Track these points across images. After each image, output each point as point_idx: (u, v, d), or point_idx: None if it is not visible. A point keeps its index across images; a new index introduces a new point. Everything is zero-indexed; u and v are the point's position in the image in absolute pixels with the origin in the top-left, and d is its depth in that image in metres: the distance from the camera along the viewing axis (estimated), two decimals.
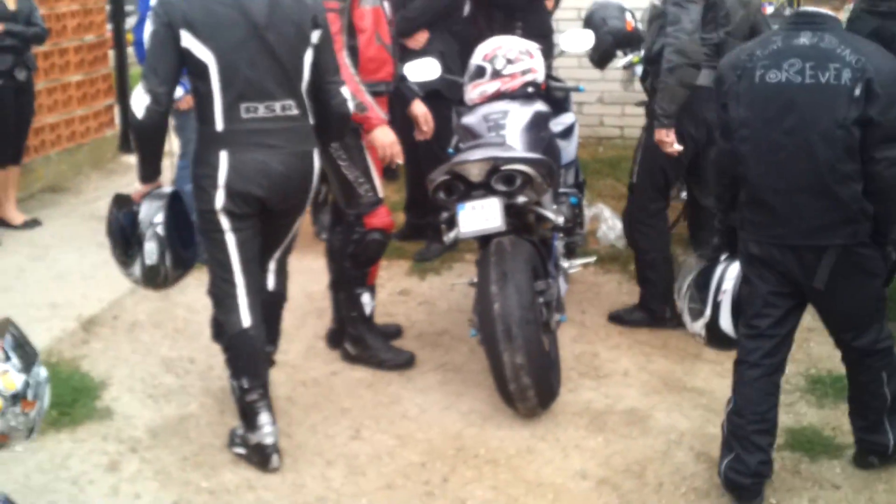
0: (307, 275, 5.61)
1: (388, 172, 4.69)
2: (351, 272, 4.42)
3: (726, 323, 3.53)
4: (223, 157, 3.50)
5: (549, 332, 4.13)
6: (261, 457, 3.65)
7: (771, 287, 3.28)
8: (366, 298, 4.48)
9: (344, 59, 4.02)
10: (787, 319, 3.34)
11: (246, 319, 3.63)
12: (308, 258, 5.85)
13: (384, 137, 4.16)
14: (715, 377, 4.36)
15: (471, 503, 3.46)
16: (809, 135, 3.09)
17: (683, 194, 5.76)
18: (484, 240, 4.06)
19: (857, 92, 3.01)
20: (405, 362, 4.49)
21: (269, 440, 3.64)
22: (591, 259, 4.83)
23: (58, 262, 5.89)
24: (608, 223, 5.88)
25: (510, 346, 3.75)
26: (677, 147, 4.48)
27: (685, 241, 6.01)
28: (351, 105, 3.82)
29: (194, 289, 5.29)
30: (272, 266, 3.94)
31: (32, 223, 6.60)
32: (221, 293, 3.70)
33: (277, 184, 3.58)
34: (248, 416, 3.67)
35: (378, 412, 4.10)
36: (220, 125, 3.51)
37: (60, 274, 5.68)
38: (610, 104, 7.89)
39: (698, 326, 3.62)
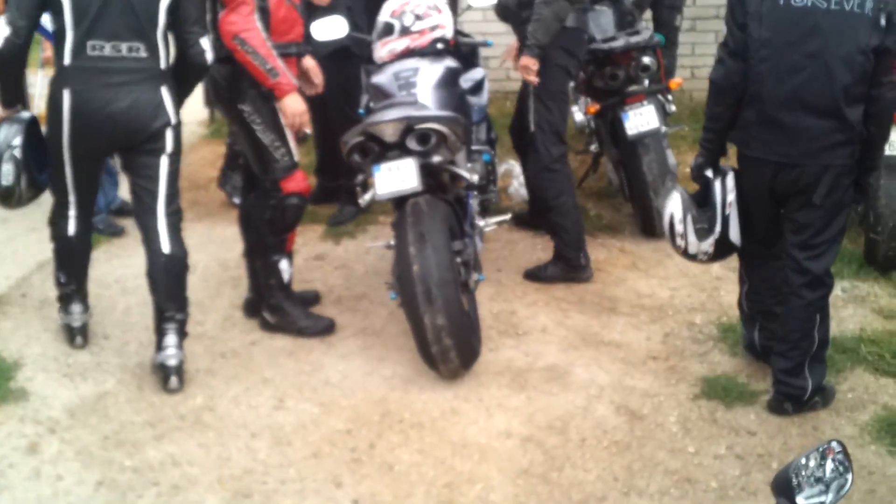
0: (220, 244, 5.57)
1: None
2: (268, 239, 4.36)
3: (735, 234, 3.78)
4: (66, 94, 3.81)
5: (468, 291, 4.15)
6: (69, 335, 4.34)
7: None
8: (283, 265, 4.43)
9: (256, 21, 3.95)
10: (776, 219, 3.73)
11: (72, 228, 4.16)
12: (220, 226, 5.80)
13: (294, 105, 4.09)
14: (631, 329, 4.45)
15: (398, 468, 3.48)
16: (830, 58, 3.36)
17: (593, 146, 5.83)
18: (399, 201, 4.04)
19: (882, 21, 3.33)
20: (325, 328, 4.46)
21: (76, 323, 4.32)
22: (507, 217, 4.85)
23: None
24: (520, 179, 5.90)
25: (430, 307, 3.75)
26: (534, 80, 4.65)
27: (596, 195, 6.10)
28: (209, 56, 3.94)
29: (104, 262, 5.21)
30: (161, 226, 4.02)
31: None
32: (56, 200, 4.16)
33: (120, 122, 3.84)
34: (63, 301, 4.35)
35: (300, 380, 4.08)
36: (67, 60, 3.79)
37: None
38: None
39: (706, 245, 3.80)
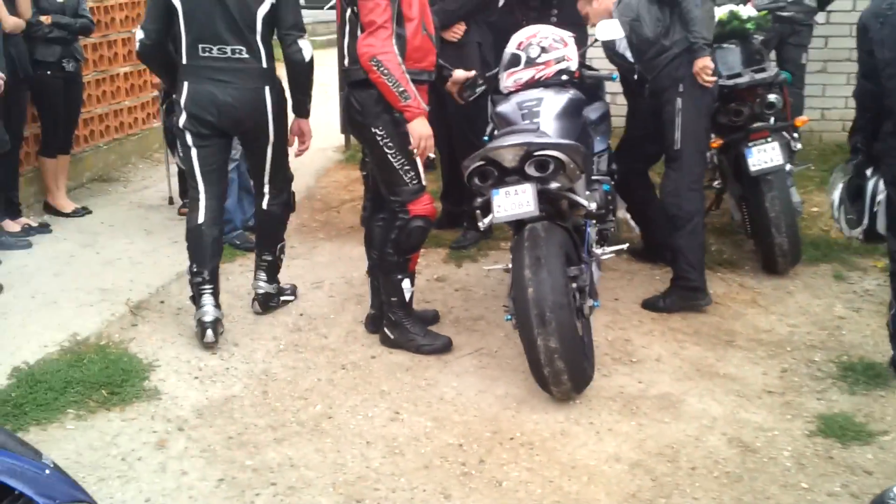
0: (347, 262, 5.77)
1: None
2: (393, 259, 4.51)
3: (881, 226, 4.05)
4: (185, 86, 4.56)
5: (583, 317, 4.20)
6: (200, 329, 4.61)
7: None
8: (406, 284, 4.57)
9: (392, 46, 4.14)
10: None
11: (201, 217, 4.66)
12: (349, 246, 6.02)
13: (421, 129, 4.25)
14: (747, 363, 4.42)
15: (507, 484, 3.55)
16: None
17: (716, 182, 5.81)
18: (518, 226, 4.14)
19: None
20: (442, 347, 4.58)
21: (207, 318, 4.59)
22: (624, 246, 4.88)
23: (106, 249, 6.07)
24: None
25: (544, 330, 3.83)
26: (711, 80, 4.77)
27: (718, 230, 6.07)
28: (306, 54, 4.56)
29: (238, 275, 5.48)
30: (266, 189, 4.87)
31: (82, 211, 6.80)
32: (190, 196, 4.77)
33: (225, 112, 4.54)
34: (195, 297, 4.69)
35: (416, 395, 4.20)
36: (184, 59, 4.54)
37: (109, 260, 5.85)
38: None
39: (856, 232, 4.22)
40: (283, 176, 4.90)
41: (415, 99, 4.19)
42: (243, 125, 4.62)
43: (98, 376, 4.23)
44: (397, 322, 4.59)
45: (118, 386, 4.18)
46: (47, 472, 1.94)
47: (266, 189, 4.87)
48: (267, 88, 4.58)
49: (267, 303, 5.02)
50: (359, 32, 4.24)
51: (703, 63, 4.69)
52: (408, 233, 4.45)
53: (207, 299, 4.63)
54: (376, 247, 4.62)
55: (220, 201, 4.78)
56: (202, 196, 4.67)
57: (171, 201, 6.98)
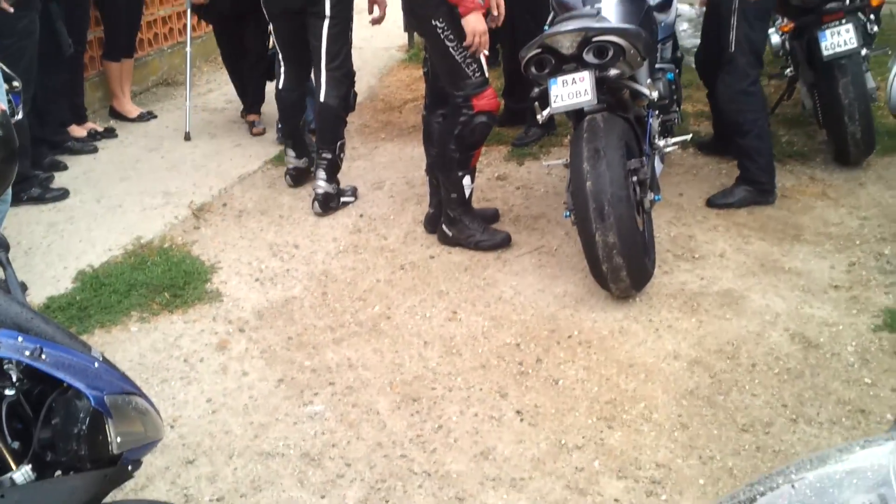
0: (408, 161, 5.74)
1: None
2: (455, 155, 4.44)
3: None
4: None
5: (644, 212, 4.11)
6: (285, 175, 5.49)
7: None
8: (466, 181, 4.51)
9: None
10: None
11: (280, 83, 5.22)
12: (410, 146, 5.98)
13: (475, 24, 4.13)
14: (814, 258, 4.31)
15: (563, 382, 3.54)
16: None
17: (788, 70, 5.59)
18: (577, 117, 4.03)
19: None
20: (501, 242, 4.55)
21: (289, 165, 5.44)
22: (688, 137, 4.73)
23: (171, 153, 6.12)
24: None
25: (602, 224, 3.75)
26: None
27: (789, 121, 5.87)
28: None
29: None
30: (323, 79, 4.93)
31: (147, 115, 6.84)
32: (277, 65, 5.29)
33: None
34: (285, 147, 5.52)
35: (474, 295, 4.19)
36: None
37: (173, 164, 5.91)
38: None
39: None
40: (342, 65, 4.93)
41: None
42: (292, 6, 4.87)
43: (161, 279, 4.31)
44: (456, 219, 4.55)
45: (180, 288, 4.24)
46: (96, 364, 1.96)
47: (324, 79, 4.90)
48: None
49: (327, 203, 5.03)
50: None
51: None
52: (472, 128, 4.37)
53: (318, 173, 5.05)
54: (436, 144, 4.56)
55: (299, 67, 5.16)
56: (282, 64, 5.16)
57: (187, 137, 6.44)
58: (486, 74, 4.35)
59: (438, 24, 4.20)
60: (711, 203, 4.88)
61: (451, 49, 4.24)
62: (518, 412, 3.39)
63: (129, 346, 3.86)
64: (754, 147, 4.74)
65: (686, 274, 4.24)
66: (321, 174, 5.04)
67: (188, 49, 6.59)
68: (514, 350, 3.76)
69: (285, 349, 3.84)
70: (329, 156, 5.02)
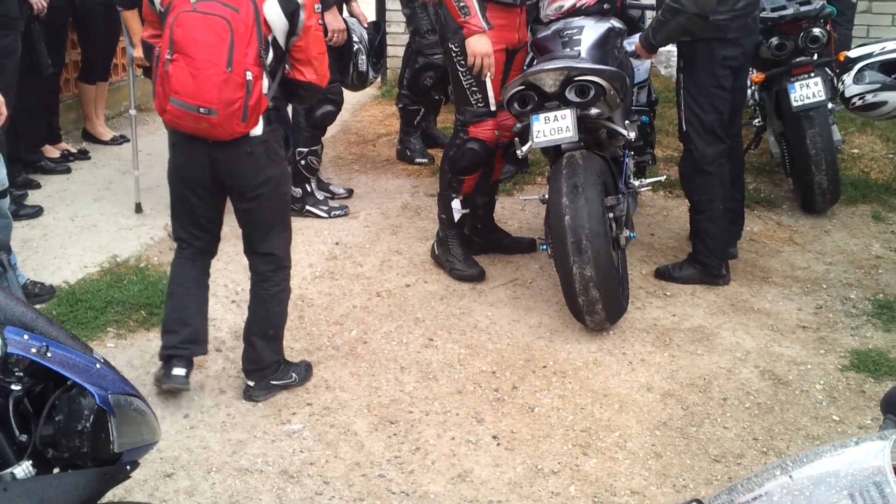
0: (382, 194, 5.81)
1: None
2: (447, 175, 4.56)
3: None
4: None
5: (619, 248, 4.21)
6: None
7: None
8: (455, 204, 4.60)
9: None
10: None
11: None
12: (384, 178, 6.05)
13: (476, 46, 4.21)
14: (782, 299, 4.42)
15: (539, 410, 3.59)
16: None
17: (756, 121, 5.75)
18: (556, 155, 4.13)
19: None
20: (474, 276, 4.62)
21: None
22: (661, 178, 4.85)
23: (144, 176, 6.08)
24: None
25: (580, 257, 3.83)
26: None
27: (756, 169, 6.02)
28: None
29: None
30: None
31: (120, 139, 6.84)
32: None
33: None
34: None
35: (450, 323, 4.23)
36: None
37: (147, 186, 5.88)
38: None
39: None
40: None
41: (475, 16, 4.17)
42: None
43: (137, 297, 4.30)
44: (444, 240, 4.66)
45: (157, 307, 4.23)
46: (98, 365, 1.99)
47: None
48: None
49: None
50: None
51: (637, 49, 4.50)
52: (462, 152, 4.48)
53: None
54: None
55: None
56: None
57: (138, 208, 5.60)
58: (491, 107, 4.41)
59: (452, 49, 4.34)
60: (660, 274, 4.69)
61: (459, 73, 4.38)
62: (494, 437, 3.42)
63: None
64: (705, 229, 4.53)
65: (658, 310, 4.33)
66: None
67: (132, 112, 5.87)
68: (489, 377, 3.81)
69: None
70: (296, 157, 5.30)
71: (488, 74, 4.28)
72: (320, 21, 3.39)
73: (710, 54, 4.34)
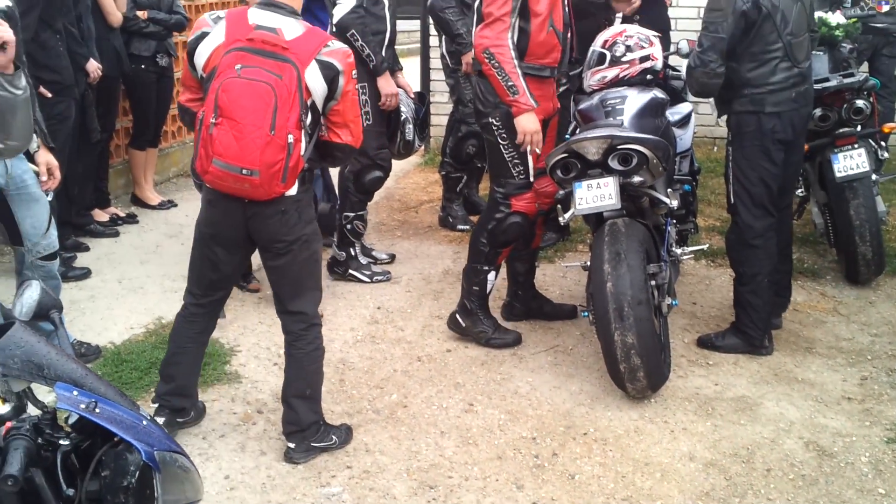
0: (424, 259, 5.85)
1: None
2: (484, 248, 4.55)
3: None
4: None
5: (661, 315, 4.19)
6: None
7: None
8: (491, 276, 4.60)
9: (507, 40, 4.18)
10: None
11: None
12: (426, 244, 6.09)
13: (526, 124, 4.23)
14: (826, 370, 4.37)
15: (579, 477, 3.56)
16: None
17: (800, 191, 5.75)
18: (598, 222, 4.15)
19: None
20: (512, 342, 4.62)
21: None
22: (704, 247, 4.84)
23: (191, 240, 6.16)
24: None
25: (622, 325, 3.83)
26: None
27: (800, 239, 5.99)
28: None
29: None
30: None
31: (168, 204, 6.97)
32: None
33: None
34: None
35: (490, 388, 4.23)
36: None
37: None
38: None
39: None
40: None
41: (524, 94, 4.19)
42: None
43: None
44: (472, 311, 4.62)
45: (201, 369, 4.27)
46: (144, 422, 2.01)
47: None
48: None
49: (331, 267, 5.52)
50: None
51: None
52: (505, 227, 4.48)
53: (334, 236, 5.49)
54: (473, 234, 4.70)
55: None
56: None
57: None
58: (531, 178, 4.44)
59: (494, 122, 4.35)
60: (702, 343, 4.66)
61: (501, 146, 4.39)
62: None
63: None
64: (749, 301, 4.49)
65: (700, 379, 4.30)
66: (334, 237, 5.45)
67: None
68: (529, 443, 3.79)
69: None
70: (342, 221, 5.43)
71: (536, 150, 4.32)
72: (359, 85, 3.50)
73: (757, 127, 4.34)
